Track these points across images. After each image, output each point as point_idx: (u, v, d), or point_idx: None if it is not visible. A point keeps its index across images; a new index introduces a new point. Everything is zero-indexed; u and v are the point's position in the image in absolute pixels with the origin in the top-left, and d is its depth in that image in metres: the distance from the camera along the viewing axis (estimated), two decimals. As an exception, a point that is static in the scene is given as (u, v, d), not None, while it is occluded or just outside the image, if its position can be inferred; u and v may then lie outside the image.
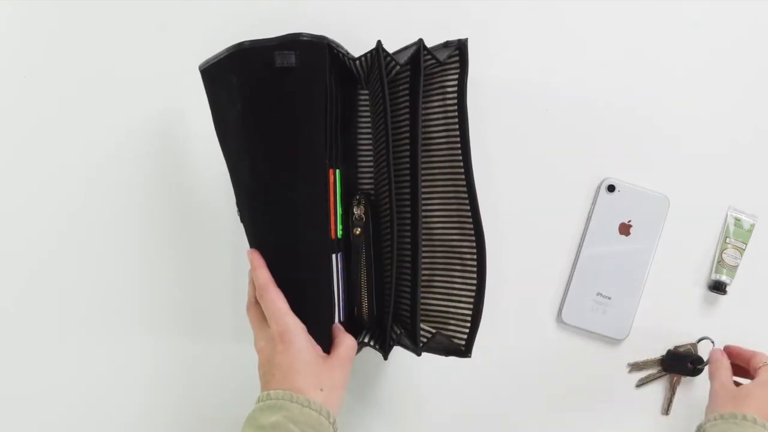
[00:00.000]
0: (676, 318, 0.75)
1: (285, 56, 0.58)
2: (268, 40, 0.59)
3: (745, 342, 0.70)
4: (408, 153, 0.65)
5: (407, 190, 0.65)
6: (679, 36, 0.74)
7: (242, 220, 0.65)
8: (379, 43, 0.61)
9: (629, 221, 0.74)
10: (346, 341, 0.63)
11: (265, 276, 0.61)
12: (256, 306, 0.63)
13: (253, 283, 0.63)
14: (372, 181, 0.70)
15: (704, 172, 0.75)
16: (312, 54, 0.59)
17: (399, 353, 0.67)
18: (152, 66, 0.74)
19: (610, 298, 0.74)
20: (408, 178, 0.65)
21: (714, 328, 0.75)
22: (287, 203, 0.61)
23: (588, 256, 0.74)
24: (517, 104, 0.74)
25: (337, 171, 0.65)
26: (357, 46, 0.65)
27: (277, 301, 0.60)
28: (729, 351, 0.71)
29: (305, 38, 0.59)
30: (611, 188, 0.74)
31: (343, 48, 0.64)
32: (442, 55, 0.65)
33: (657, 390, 0.76)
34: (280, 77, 0.59)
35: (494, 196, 0.74)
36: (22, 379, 0.75)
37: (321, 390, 0.58)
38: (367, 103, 0.70)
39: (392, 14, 0.74)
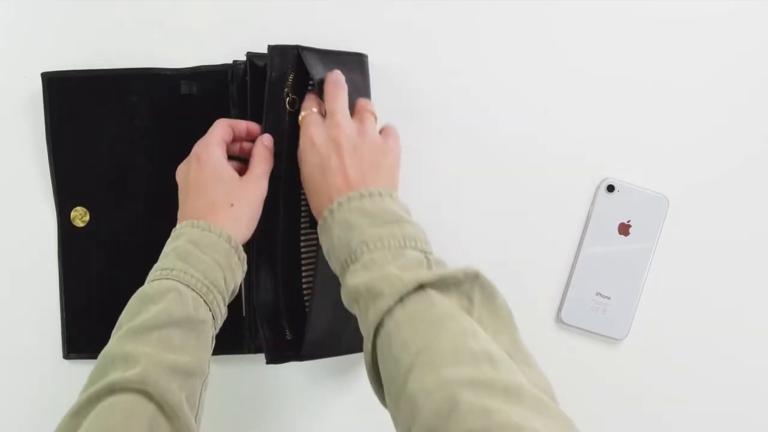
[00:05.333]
0: (676, 318, 0.75)
1: (188, 85, 0.69)
2: (178, 69, 0.69)
3: (745, 341, 0.70)
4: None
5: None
6: (681, 35, 0.74)
7: None
8: (248, 54, 0.66)
9: (629, 221, 0.74)
10: (259, 162, 0.63)
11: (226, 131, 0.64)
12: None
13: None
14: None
15: (704, 173, 0.75)
16: (213, 82, 0.68)
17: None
18: (151, 65, 0.74)
19: (609, 298, 0.74)
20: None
21: (715, 328, 0.75)
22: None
23: (587, 256, 0.74)
24: (517, 104, 0.74)
25: None
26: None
27: (215, 133, 0.63)
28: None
29: (204, 69, 0.69)
30: (611, 188, 0.74)
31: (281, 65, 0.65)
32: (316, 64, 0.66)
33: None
34: (184, 104, 0.69)
35: (494, 196, 0.74)
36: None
37: (232, 205, 0.60)
38: None
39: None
